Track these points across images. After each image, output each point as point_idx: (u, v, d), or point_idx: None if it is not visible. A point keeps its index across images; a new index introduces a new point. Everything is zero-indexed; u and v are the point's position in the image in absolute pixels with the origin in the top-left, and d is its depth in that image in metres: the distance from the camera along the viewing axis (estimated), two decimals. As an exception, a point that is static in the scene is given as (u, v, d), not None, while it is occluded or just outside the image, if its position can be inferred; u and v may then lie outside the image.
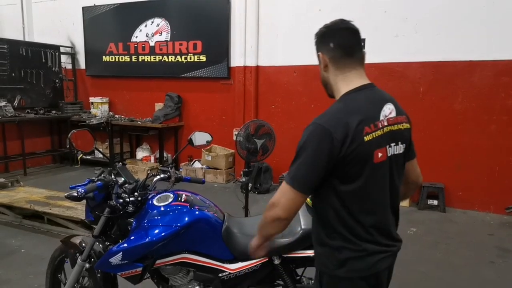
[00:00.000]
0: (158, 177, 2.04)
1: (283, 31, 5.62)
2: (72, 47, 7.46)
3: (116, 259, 1.82)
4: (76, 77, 7.51)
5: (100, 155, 7.03)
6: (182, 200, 1.94)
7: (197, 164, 6.24)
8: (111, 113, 6.99)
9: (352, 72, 1.37)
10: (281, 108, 5.69)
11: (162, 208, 1.91)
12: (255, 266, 1.97)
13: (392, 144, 1.35)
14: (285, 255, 1.97)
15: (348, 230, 1.32)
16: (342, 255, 1.34)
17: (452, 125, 4.71)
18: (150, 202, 1.95)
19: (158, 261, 1.91)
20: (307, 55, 5.45)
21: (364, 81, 1.38)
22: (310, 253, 1.97)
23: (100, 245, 2.04)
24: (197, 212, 1.92)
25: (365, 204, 1.32)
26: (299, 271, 2.18)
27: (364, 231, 1.33)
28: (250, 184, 3.93)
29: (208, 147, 6.06)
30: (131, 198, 1.90)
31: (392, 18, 4.91)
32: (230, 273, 1.96)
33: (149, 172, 2.06)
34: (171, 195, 1.96)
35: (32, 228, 4.00)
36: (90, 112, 7.05)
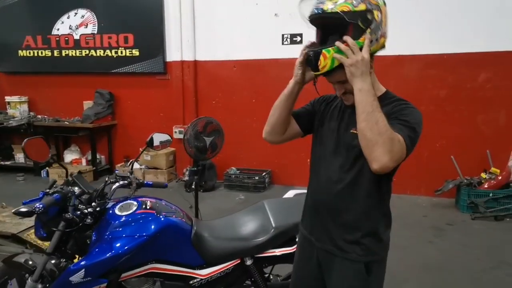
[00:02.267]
0: (117, 184, 1.89)
1: (220, 24, 5.51)
2: (-20, 40, 6.62)
3: (77, 277, 1.65)
4: (-14, 73, 6.70)
5: (21, 160, 6.40)
6: (148, 207, 1.82)
7: (135, 165, 5.91)
8: (32, 113, 6.35)
9: None
10: (222, 104, 5.61)
11: (126, 218, 1.77)
12: (227, 269, 1.92)
13: None
14: (256, 255, 1.95)
15: (389, 211, 1.48)
16: (387, 237, 1.47)
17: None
18: (111, 211, 1.80)
19: (124, 274, 1.77)
20: (246, 49, 5.44)
21: None
22: (278, 251, 1.98)
23: (52, 262, 1.83)
24: (164, 219, 1.81)
25: None
26: (267, 270, 2.18)
27: None
28: (194, 182, 3.81)
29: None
30: (89, 209, 1.73)
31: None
32: (201, 279, 1.89)
33: (106, 179, 1.89)
34: (135, 203, 1.83)
35: (-50, 248, 3.49)
36: (7, 113, 6.33)
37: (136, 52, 5.90)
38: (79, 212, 1.71)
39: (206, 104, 5.68)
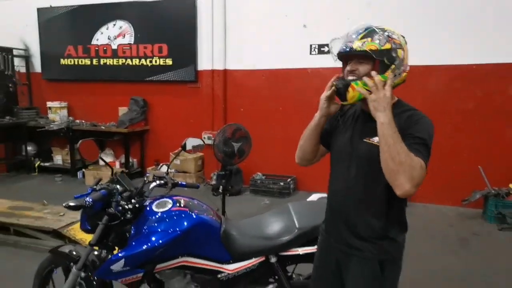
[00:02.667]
0: (154, 183, 2.07)
1: (250, 35, 5.71)
2: (26, 50, 7.10)
3: (118, 266, 1.83)
4: (30, 81, 7.15)
5: (59, 161, 6.80)
6: (182, 205, 1.99)
7: (164, 168, 6.18)
8: (70, 118, 6.75)
9: None
10: (250, 111, 5.78)
11: (162, 214, 1.94)
12: (252, 265, 2.06)
13: None
14: (280, 253, 2.08)
15: (403, 215, 1.59)
16: (402, 239, 1.57)
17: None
18: (148, 208, 1.98)
19: (158, 266, 1.94)
20: (275, 59, 5.61)
21: None
22: (301, 250, 2.09)
23: (95, 253, 2.02)
24: (196, 216, 1.97)
25: None
26: (289, 268, 2.29)
27: None
28: (221, 186, 3.98)
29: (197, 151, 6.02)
30: (130, 205, 1.91)
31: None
32: (228, 274, 2.03)
33: (145, 179, 2.08)
34: (170, 201, 2.00)
35: (-3, 241, 3.80)
36: (48, 118, 6.75)
37: (169, 61, 6.19)
38: (120, 208, 1.89)
39: (234, 112, 5.87)
